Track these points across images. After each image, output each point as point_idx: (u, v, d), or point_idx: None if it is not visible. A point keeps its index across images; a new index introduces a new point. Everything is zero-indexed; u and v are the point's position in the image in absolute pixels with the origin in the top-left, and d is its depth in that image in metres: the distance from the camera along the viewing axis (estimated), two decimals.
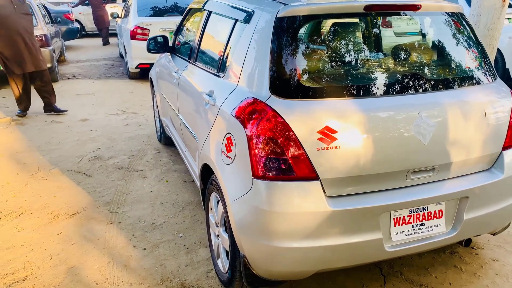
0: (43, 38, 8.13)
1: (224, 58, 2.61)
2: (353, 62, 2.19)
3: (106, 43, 14.08)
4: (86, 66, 10.39)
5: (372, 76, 2.17)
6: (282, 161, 2.00)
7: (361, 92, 2.09)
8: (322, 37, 2.33)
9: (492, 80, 2.45)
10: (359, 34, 2.33)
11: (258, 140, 2.01)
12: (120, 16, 10.81)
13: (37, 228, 3.24)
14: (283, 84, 2.08)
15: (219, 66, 2.65)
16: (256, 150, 2.02)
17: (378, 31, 2.35)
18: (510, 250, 2.93)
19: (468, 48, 2.45)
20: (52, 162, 4.52)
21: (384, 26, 2.53)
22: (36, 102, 6.58)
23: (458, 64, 2.41)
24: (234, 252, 2.29)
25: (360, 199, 2.10)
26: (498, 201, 2.37)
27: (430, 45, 2.48)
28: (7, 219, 3.37)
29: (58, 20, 10.54)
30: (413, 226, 2.22)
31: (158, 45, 3.91)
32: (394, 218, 2.17)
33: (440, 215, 2.27)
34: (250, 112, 2.09)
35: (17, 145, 5.03)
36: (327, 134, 2.00)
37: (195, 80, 3.02)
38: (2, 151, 4.83)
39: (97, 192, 3.83)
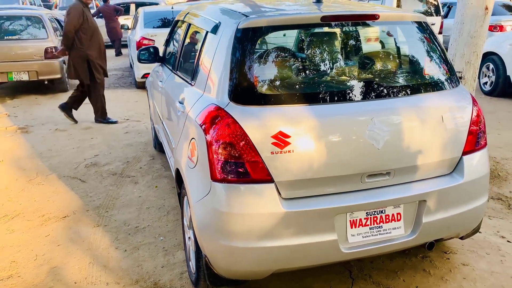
0: (53, 50, 8.44)
1: (196, 67, 2.74)
2: (309, 70, 2.29)
3: (118, 54, 14.44)
4: None
5: (326, 83, 2.26)
6: (238, 164, 2.10)
7: (314, 99, 2.18)
8: (280, 47, 2.43)
9: (453, 87, 2.51)
10: (316, 43, 2.42)
11: (216, 145, 2.12)
12: (130, 28, 11.11)
13: (27, 230, 3.40)
14: (241, 92, 2.19)
15: (192, 74, 2.78)
16: (214, 155, 2.13)
17: (335, 40, 2.44)
18: (482, 254, 2.96)
19: (428, 56, 2.52)
20: (51, 168, 4.71)
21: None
22: (43, 111, 6.82)
23: (416, 71, 2.48)
24: (198, 253, 2.39)
25: (314, 201, 2.18)
26: (459, 205, 2.42)
27: (390, 53, 2.56)
28: (0, 221, 3.55)
29: None
30: (370, 228, 2.29)
31: (149, 55, 4.07)
32: (350, 220, 2.24)
33: (399, 218, 2.33)
34: (210, 118, 2.20)
35: (20, 151, 5.25)
36: (280, 138, 2.10)
37: (173, 88, 3.16)
38: (5, 157, 5.05)
39: (89, 197, 3.99)
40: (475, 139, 2.46)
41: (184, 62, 3.21)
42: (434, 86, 2.44)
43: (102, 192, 4.09)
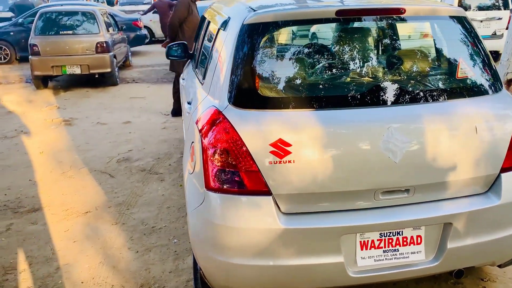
0: (104, 45, 8.69)
1: (206, 66, 2.58)
2: (318, 71, 2.05)
3: None
4: (148, 71, 10.91)
5: (336, 86, 2.02)
6: (233, 173, 1.92)
7: (321, 104, 1.95)
8: (287, 45, 2.21)
9: (493, 92, 2.16)
10: (328, 41, 2.17)
11: (211, 151, 1.95)
12: None
13: (49, 224, 3.44)
14: (241, 94, 2.00)
15: (204, 74, 2.63)
16: (209, 161, 1.96)
17: (351, 38, 2.16)
18: None
19: (464, 56, 2.18)
20: (85, 161, 4.79)
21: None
22: (91, 104, 7.01)
23: (447, 74, 2.16)
24: (195, 264, 2.25)
25: (318, 218, 1.95)
26: (493, 230, 2.08)
27: (416, 53, 2.25)
28: (25, 213, 3.63)
29: (123, 27, 11.19)
30: (384, 251, 2.02)
31: (177, 52, 3.98)
32: (360, 241, 1.99)
33: (419, 242, 2.04)
34: (207, 122, 2.04)
35: (60, 143, 5.40)
36: (280, 147, 1.89)
37: (188, 87, 3.03)
38: (45, 148, 5.21)
39: (114, 193, 3.99)
40: None
41: (200, 61, 3.07)
42: (469, 91, 2.11)
43: (128, 188, 4.07)
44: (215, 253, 1.98)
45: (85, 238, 3.24)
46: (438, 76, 2.14)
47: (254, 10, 2.14)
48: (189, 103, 2.62)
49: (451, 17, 2.23)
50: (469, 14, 2.55)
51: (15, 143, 5.46)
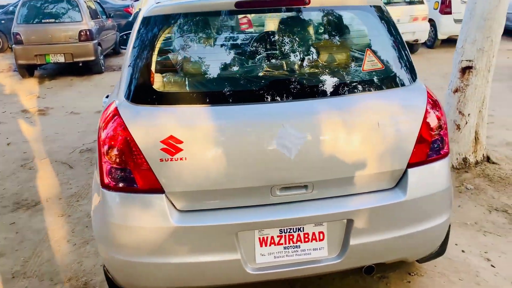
0: (87, 33, 8.66)
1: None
2: (214, 66, 1.99)
3: None
4: None
5: (231, 81, 1.96)
6: (124, 171, 1.90)
7: (215, 99, 1.90)
8: (185, 38, 2.15)
9: (404, 85, 2.09)
10: (227, 34, 2.11)
11: (103, 148, 1.93)
12: None
13: None
14: (136, 89, 1.96)
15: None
16: (102, 158, 1.94)
17: (251, 30, 2.10)
18: (454, 280, 2.53)
19: (376, 48, 2.10)
20: (49, 152, 4.80)
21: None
22: (71, 93, 7.01)
23: (351, 67, 2.09)
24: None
25: (213, 216, 1.92)
26: (400, 227, 2.03)
27: (321, 46, 2.17)
28: None
29: (111, 14, 11.11)
30: (285, 248, 1.99)
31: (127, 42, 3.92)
32: (259, 238, 1.97)
33: (321, 238, 2.01)
34: (104, 119, 2.00)
35: (29, 134, 5.42)
36: (171, 144, 1.85)
37: None
38: (14, 139, 5.24)
39: (69, 184, 4.00)
40: (426, 149, 2.05)
41: None
42: (375, 84, 2.04)
43: (83, 179, 4.08)
44: (112, 251, 1.97)
45: (28, 230, 3.26)
46: (342, 70, 2.07)
47: (157, 3, 2.08)
48: (106, 97, 2.58)
49: (364, 6, 2.15)
50: None
51: None
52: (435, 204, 2.10)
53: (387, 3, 9.29)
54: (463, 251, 2.80)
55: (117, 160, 1.89)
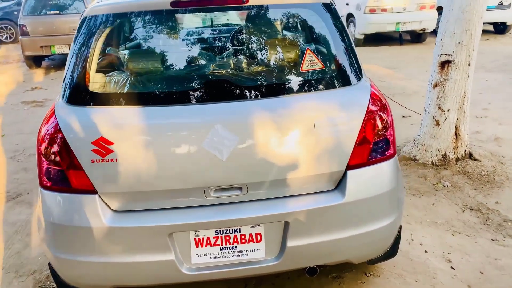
0: None
1: None
2: (147, 66, 1.98)
3: None
4: None
5: (163, 81, 1.95)
6: (57, 171, 1.92)
7: (146, 100, 1.89)
8: (120, 38, 2.14)
9: (345, 85, 2.03)
10: (161, 34, 2.09)
11: (39, 148, 1.96)
12: None
13: None
14: (72, 89, 1.97)
15: None
16: (39, 158, 1.97)
17: (184, 30, 2.07)
18: (410, 281, 2.48)
19: (317, 47, 2.06)
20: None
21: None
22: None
23: (291, 67, 2.04)
24: None
25: (146, 217, 1.93)
26: (339, 229, 2.00)
27: (260, 46, 2.13)
28: None
29: None
30: (221, 248, 2.00)
31: None
32: (195, 239, 1.97)
33: (259, 239, 2.00)
34: (44, 119, 2.03)
35: (24, 126, 5.55)
36: (102, 145, 1.86)
37: None
38: (9, 131, 5.37)
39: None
40: (367, 150, 2.00)
41: None
42: (313, 84, 1.99)
43: None
44: (51, 249, 2.01)
45: (5, 222, 3.35)
46: (279, 70, 2.03)
47: (98, 3, 2.08)
48: None
49: (310, 4, 2.09)
50: None
51: None
52: (378, 206, 2.06)
53: None
54: (426, 251, 2.75)
55: (52, 160, 1.92)
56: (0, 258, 2.92)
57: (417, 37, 9.70)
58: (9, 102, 6.65)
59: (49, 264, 2.20)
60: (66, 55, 9.01)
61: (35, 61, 9.10)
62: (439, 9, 9.65)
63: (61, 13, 8.82)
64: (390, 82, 6.82)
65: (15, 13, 12.77)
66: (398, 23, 9.20)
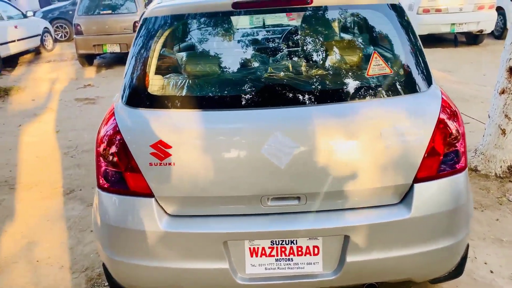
0: None
1: None
2: (209, 69, 1.93)
3: None
4: None
5: (224, 85, 1.89)
6: (116, 173, 1.91)
7: (206, 104, 1.85)
8: (182, 40, 2.09)
9: (415, 91, 1.90)
10: (224, 36, 2.02)
11: (98, 149, 1.96)
12: None
13: (34, 201, 3.69)
14: (132, 91, 1.96)
15: None
16: (97, 159, 1.97)
17: (249, 32, 2.00)
18: None
19: (385, 51, 1.93)
20: (93, 141, 5.02)
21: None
22: (116, 83, 7.28)
23: (358, 72, 1.93)
24: None
25: (202, 223, 1.89)
26: (402, 246, 1.88)
27: (326, 49, 2.02)
28: (19, 190, 3.92)
29: None
30: (276, 260, 1.92)
31: None
32: (250, 248, 1.91)
33: (316, 252, 1.91)
34: (103, 120, 2.03)
35: (77, 122, 5.72)
36: (160, 148, 1.83)
37: None
38: (64, 127, 5.55)
39: None
40: (437, 162, 1.86)
41: None
42: (381, 91, 1.87)
43: None
44: (105, 249, 2.01)
45: (58, 217, 3.44)
46: (344, 75, 1.92)
47: (159, 3, 2.06)
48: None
49: (376, 5, 1.98)
50: None
51: (39, 121, 5.86)
52: (446, 223, 1.92)
53: None
54: (491, 271, 2.55)
55: (110, 161, 1.91)
56: (54, 253, 2.98)
57: (473, 38, 9.23)
58: (63, 99, 6.89)
59: (103, 264, 2.20)
60: (117, 53, 9.30)
61: (87, 59, 9.41)
62: (499, 9, 9.15)
63: (113, 13, 9.07)
64: (445, 86, 6.50)
65: (70, 12, 13.29)
66: (453, 24, 8.78)
